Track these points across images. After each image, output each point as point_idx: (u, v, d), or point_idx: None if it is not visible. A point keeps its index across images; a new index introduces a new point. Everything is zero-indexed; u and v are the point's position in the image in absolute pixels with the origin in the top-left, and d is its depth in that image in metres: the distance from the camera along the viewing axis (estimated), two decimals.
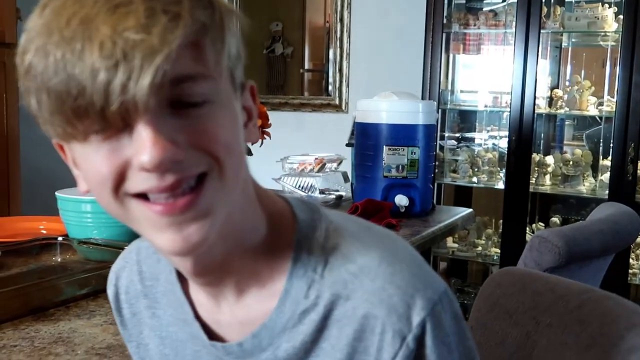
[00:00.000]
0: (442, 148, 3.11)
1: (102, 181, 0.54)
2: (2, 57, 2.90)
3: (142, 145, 0.51)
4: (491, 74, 3.07)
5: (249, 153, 1.61)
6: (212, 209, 0.55)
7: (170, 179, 0.52)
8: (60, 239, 1.39)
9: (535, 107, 2.77)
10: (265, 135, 1.48)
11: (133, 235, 0.69)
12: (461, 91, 3.17)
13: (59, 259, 1.37)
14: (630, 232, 1.49)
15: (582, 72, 3.04)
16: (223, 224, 0.57)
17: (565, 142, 3.17)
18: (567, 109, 2.86)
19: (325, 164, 2.15)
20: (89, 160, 0.55)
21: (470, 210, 2.11)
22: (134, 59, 0.49)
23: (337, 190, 2.14)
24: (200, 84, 0.53)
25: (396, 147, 1.85)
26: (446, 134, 3.15)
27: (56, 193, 1.41)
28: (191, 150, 0.53)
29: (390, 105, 1.89)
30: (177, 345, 0.72)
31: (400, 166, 1.86)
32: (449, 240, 3.10)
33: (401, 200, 1.85)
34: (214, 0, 0.55)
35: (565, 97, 2.86)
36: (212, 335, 0.68)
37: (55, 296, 1.12)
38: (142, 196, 0.54)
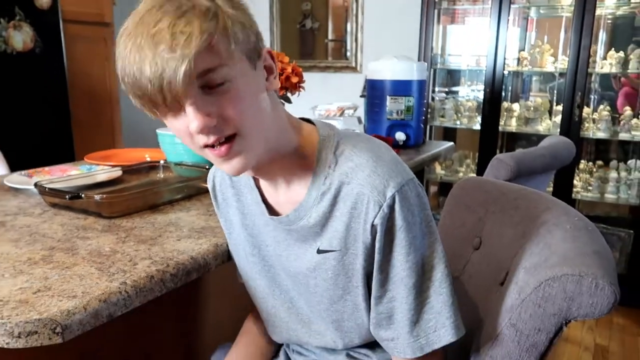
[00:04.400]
0: (433, 99, 3.11)
1: (183, 136, 0.66)
2: (102, 34, 2.93)
3: (189, 118, 0.63)
4: (472, 40, 3.04)
5: (288, 101, 1.67)
6: (243, 150, 0.66)
7: (212, 138, 0.64)
8: (162, 162, 1.45)
9: (505, 66, 2.76)
10: (300, 89, 1.54)
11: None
12: (449, 54, 3.14)
13: (162, 176, 1.42)
14: (565, 155, 1.54)
15: (545, 37, 3.02)
16: (258, 151, 0.68)
17: (532, 93, 3.17)
18: (530, 67, 2.87)
19: (344, 111, 2.21)
20: (172, 126, 0.67)
21: (452, 143, 2.15)
22: (169, 69, 0.59)
23: (354, 130, 2.23)
24: (218, 71, 0.62)
25: (396, 97, 1.90)
26: (437, 88, 3.15)
27: (157, 130, 1.44)
28: (221, 118, 0.63)
29: (392, 66, 1.92)
30: (252, 218, 0.83)
31: (400, 111, 1.91)
32: (438, 167, 3.15)
33: (400, 136, 1.92)
34: (218, 9, 0.62)
35: (529, 58, 2.87)
36: (273, 212, 0.79)
37: (162, 198, 1.18)
38: (207, 147, 0.66)
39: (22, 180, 1.32)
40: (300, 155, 0.74)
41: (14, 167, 2.20)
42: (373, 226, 0.69)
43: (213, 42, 0.60)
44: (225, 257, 0.92)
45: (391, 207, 0.68)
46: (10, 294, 0.72)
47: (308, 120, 0.80)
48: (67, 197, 1.06)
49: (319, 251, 0.75)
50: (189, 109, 0.62)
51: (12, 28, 2.31)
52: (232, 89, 0.63)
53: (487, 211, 0.98)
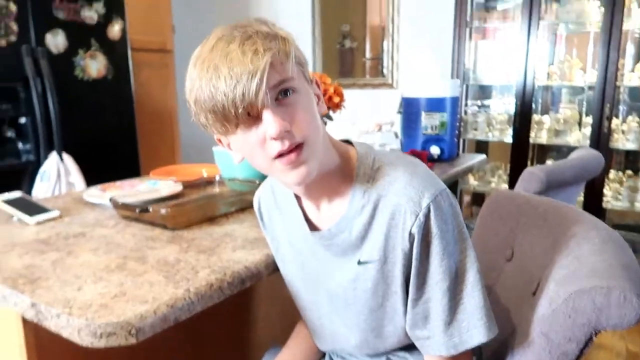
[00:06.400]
0: (466, 112, 3.08)
1: (254, 149, 0.68)
2: (165, 60, 3.04)
3: (268, 124, 0.64)
4: (503, 56, 3.00)
5: (330, 118, 1.71)
6: (309, 159, 0.68)
7: (286, 144, 0.66)
8: (217, 177, 1.49)
9: (535, 80, 2.71)
10: (341, 108, 1.56)
11: (261, 176, 0.80)
12: (481, 70, 3.10)
13: (217, 190, 1.46)
14: (594, 167, 1.50)
15: (574, 51, 2.94)
16: (318, 162, 0.70)
17: (561, 104, 3.08)
18: (559, 81, 2.79)
19: (382, 126, 2.22)
20: (241, 140, 0.68)
21: (484, 156, 2.11)
22: (243, 80, 0.62)
23: (391, 144, 2.21)
24: (287, 83, 0.65)
25: (431, 113, 1.89)
26: (469, 101, 3.11)
27: (213, 148, 1.45)
28: (292, 126, 0.66)
29: (426, 85, 1.92)
30: (295, 235, 0.84)
31: (434, 126, 1.90)
32: (471, 178, 3.11)
33: (435, 150, 1.90)
34: (276, 33, 0.66)
35: (558, 72, 2.79)
36: (315, 229, 0.80)
37: (218, 210, 1.21)
38: (277, 157, 0.67)
39: (97, 194, 1.40)
40: (341, 173, 0.76)
41: (89, 179, 2.32)
42: (411, 234, 0.69)
43: (278, 58, 0.64)
44: (275, 267, 0.94)
45: (427, 216, 0.69)
46: (93, 298, 0.77)
47: (346, 141, 0.82)
48: (137, 210, 1.11)
49: (360, 262, 0.76)
50: (267, 116, 0.64)
51: (89, 58, 2.44)
52: (298, 101, 0.66)
53: (518, 223, 0.97)
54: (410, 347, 0.83)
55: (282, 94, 0.66)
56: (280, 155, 0.67)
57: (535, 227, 0.91)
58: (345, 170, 0.76)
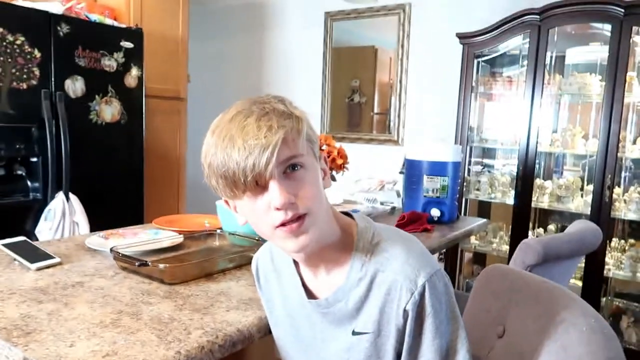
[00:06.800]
0: (469, 171, 3.12)
1: (259, 215, 0.71)
2: (178, 107, 3.12)
3: (274, 195, 0.68)
4: (507, 121, 3.03)
5: (333, 179, 1.74)
6: (310, 229, 0.71)
7: (290, 214, 0.69)
8: (218, 231, 1.49)
9: (538, 145, 2.75)
10: (345, 169, 1.60)
11: None
12: (486, 129, 3.14)
13: (217, 243, 1.45)
14: (592, 241, 1.50)
15: (578, 118, 2.98)
16: (319, 233, 0.73)
17: (565, 167, 3.11)
18: (562, 148, 2.84)
19: (384, 185, 2.26)
20: (247, 206, 0.72)
21: (485, 220, 2.12)
22: (255, 153, 0.66)
23: (392, 203, 2.23)
24: (296, 158, 0.69)
25: (432, 177, 1.92)
26: (472, 160, 3.14)
27: (216, 202, 1.47)
28: (297, 198, 0.69)
29: (429, 148, 1.96)
30: (291, 301, 0.85)
31: (435, 189, 1.92)
32: (472, 238, 3.10)
33: (435, 212, 1.92)
34: (292, 112, 0.70)
35: (561, 140, 2.84)
36: (311, 296, 0.82)
37: (216, 266, 1.21)
38: (279, 226, 0.70)
39: (99, 242, 1.42)
40: (341, 245, 0.78)
41: (94, 219, 2.35)
42: (405, 311, 0.71)
43: (290, 135, 0.68)
44: (267, 330, 0.95)
45: (422, 295, 0.70)
46: (84, 356, 0.77)
47: (347, 214, 0.84)
48: (136, 264, 1.13)
49: (354, 333, 0.77)
50: (274, 187, 0.67)
51: (104, 103, 2.52)
52: (305, 176, 0.70)
53: (510, 300, 0.97)
54: None
55: (290, 168, 0.69)
56: (283, 224, 0.70)
57: (527, 306, 0.91)
58: (346, 242, 0.78)
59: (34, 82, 2.27)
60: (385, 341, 0.74)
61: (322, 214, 0.73)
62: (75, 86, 2.40)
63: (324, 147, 1.54)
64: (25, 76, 2.24)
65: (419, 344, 0.72)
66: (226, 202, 0.78)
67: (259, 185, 0.69)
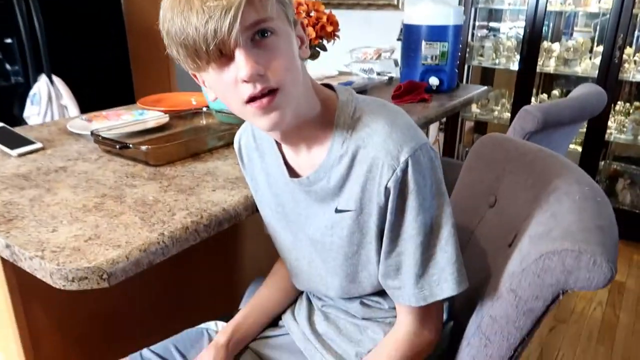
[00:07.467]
0: (473, 36, 2.93)
1: (226, 89, 0.64)
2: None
3: (240, 65, 0.60)
4: None
5: (324, 49, 1.62)
6: (282, 105, 0.64)
7: (259, 87, 0.62)
8: (204, 109, 1.42)
9: (548, 4, 2.56)
10: (335, 37, 1.48)
11: None
12: None
13: (204, 122, 1.40)
14: (595, 106, 1.43)
15: None
16: (293, 110, 0.67)
17: (576, 28, 2.93)
18: (574, 6, 2.63)
19: (381, 54, 2.14)
20: (214, 79, 0.64)
21: (485, 88, 2.03)
22: (215, 16, 0.57)
23: (390, 73, 2.14)
24: (266, 23, 0.60)
25: (431, 42, 1.80)
26: (477, 23, 2.94)
27: None
28: (268, 70, 0.62)
29: (428, 11, 1.81)
30: (274, 179, 0.83)
31: (434, 56, 1.82)
32: (474, 106, 3.04)
33: (434, 80, 1.84)
34: None
35: None
36: (294, 174, 0.79)
37: (203, 146, 1.18)
38: (249, 102, 0.63)
39: (82, 125, 1.37)
40: (321, 121, 0.73)
41: (83, 102, 2.28)
42: (387, 189, 0.68)
43: None
44: (254, 209, 0.94)
45: (404, 171, 0.67)
46: (66, 240, 0.77)
47: (328, 86, 0.78)
48: (117, 147, 1.09)
49: (337, 210, 0.75)
50: (240, 56, 0.60)
51: None
52: (277, 45, 0.62)
53: (504, 170, 0.94)
54: (383, 293, 0.84)
55: (258, 35, 0.61)
56: (252, 99, 0.63)
57: (520, 176, 0.88)
58: (326, 118, 0.73)
59: None
60: (367, 219, 0.73)
61: (297, 87, 0.66)
62: None
63: (312, 14, 1.41)
64: None
65: (402, 221, 0.70)
66: (194, 76, 0.71)
67: (223, 55, 0.61)
